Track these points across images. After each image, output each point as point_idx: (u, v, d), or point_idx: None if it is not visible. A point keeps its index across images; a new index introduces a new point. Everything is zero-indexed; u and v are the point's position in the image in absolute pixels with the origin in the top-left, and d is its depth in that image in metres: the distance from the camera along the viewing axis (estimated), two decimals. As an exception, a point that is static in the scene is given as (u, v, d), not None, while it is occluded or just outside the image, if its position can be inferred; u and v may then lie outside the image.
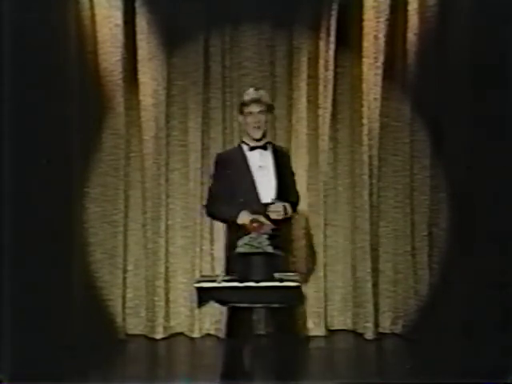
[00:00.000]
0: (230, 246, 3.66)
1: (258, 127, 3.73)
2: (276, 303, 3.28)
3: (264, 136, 3.78)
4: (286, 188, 3.75)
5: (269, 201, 3.63)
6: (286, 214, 3.64)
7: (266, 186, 3.70)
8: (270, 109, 3.81)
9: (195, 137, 5.35)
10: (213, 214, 3.86)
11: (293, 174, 3.95)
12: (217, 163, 3.86)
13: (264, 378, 3.53)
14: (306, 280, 5.20)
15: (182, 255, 5.42)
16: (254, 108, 3.71)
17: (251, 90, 3.80)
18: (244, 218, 3.54)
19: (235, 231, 3.60)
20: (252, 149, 3.77)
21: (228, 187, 3.71)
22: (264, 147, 3.79)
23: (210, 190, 3.87)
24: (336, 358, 4.88)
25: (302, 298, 3.32)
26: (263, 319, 3.54)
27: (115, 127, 5.29)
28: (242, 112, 3.78)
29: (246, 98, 3.75)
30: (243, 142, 3.84)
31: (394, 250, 5.37)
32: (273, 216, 3.56)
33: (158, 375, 4.46)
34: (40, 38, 4.76)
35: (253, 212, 3.53)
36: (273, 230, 3.39)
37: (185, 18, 5.30)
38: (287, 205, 3.67)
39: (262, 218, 3.46)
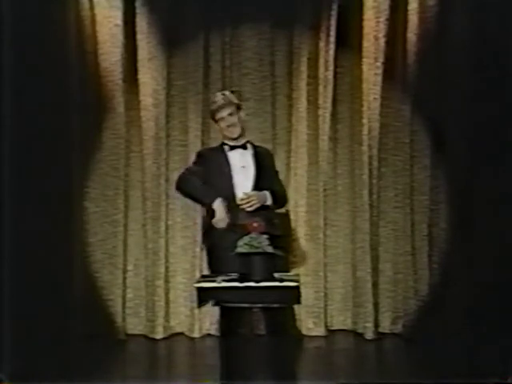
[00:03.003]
0: (208, 236, 3.73)
1: (232, 128, 3.78)
2: (276, 303, 3.28)
3: (242, 134, 3.84)
4: (265, 188, 3.76)
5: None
6: (260, 202, 3.67)
7: (245, 187, 3.72)
8: (239, 108, 3.85)
9: (195, 137, 5.35)
10: (184, 188, 3.85)
11: (276, 173, 4.00)
12: (198, 156, 3.93)
13: (263, 378, 3.53)
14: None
15: (181, 255, 5.42)
16: (223, 113, 3.78)
17: (218, 95, 3.87)
18: (219, 207, 3.60)
19: (213, 227, 3.66)
20: (232, 148, 3.82)
21: (208, 178, 3.75)
22: (244, 147, 3.83)
23: (188, 168, 3.92)
24: (336, 357, 4.87)
25: (301, 298, 3.32)
26: (262, 319, 3.54)
27: (115, 127, 5.29)
28: (214, 119, 3.86)
29: (213, 106, 3.83)
30: (223, 143, 3.89)
31: (394, 250, 5.37)
32: (246, 208, 3.62)
33: (158, 375, 4.46)
34: (40, 38, 4.76)
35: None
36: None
37: (185, 18, 5.30)
38: (263, 194, 3.70)
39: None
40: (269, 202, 3.73)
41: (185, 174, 3.88)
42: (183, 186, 3.84)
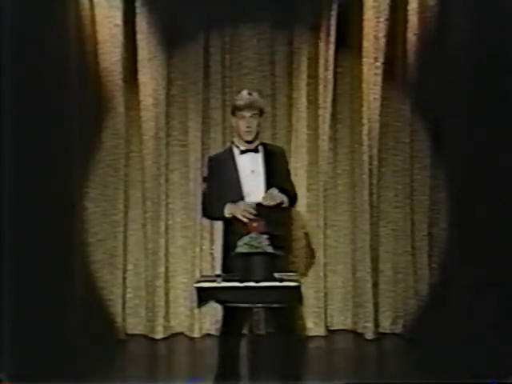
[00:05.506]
0: (227, 245, 3.68)
1: (250, 131, 3.72)
2: (276, 303, 3.28)
3: (256, 138, 3.77)
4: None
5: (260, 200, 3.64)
6: (280, 202, 3.62)
7: (256, 191, 3.68)
8: (262, 113, 3.79)
9: (195, 137, 5.36)
10: (207, 215, 3.89)
11: (288, 173, 3.93)
12: (209, 166, 3.88)
13: (263, 378, 3.53)
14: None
15: (181, 255, 5.42)
16: (246, 112, 3.70)
17: (244, 93, 3.78)
18: (231, 208, 3.59)
19: (232, 231, 3.64)
20: (243, 152, 3.77)
21: (218, 190, 3.72)
22: (255, 150, 3.78)
23: (204, 193, 3.88)
24: (336, 357, 4.88)
25: (302, 298, 3.31)
26: (263, 319, 3.54)
27: (115, 127, 5.29)
28: (234, 114, 3.77)
29: (239, 102, 3.73)
30: (233, 143, 3.84)
31: (394, 250, 5.38)
32: (265, 202, 3.57)
33: (158, 375, 4.47)
34: (40, 38, 4.76)
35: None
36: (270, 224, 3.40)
37: (185, 18, 5.30)
38: (283, 196, 3.66)
39: (251, 209, 3.52)
40: (286, 204, 3.68)
41: (203, 203, 3.87)
42: (206, 215, 3.89)
